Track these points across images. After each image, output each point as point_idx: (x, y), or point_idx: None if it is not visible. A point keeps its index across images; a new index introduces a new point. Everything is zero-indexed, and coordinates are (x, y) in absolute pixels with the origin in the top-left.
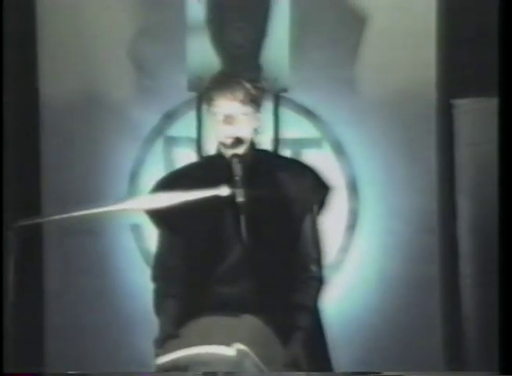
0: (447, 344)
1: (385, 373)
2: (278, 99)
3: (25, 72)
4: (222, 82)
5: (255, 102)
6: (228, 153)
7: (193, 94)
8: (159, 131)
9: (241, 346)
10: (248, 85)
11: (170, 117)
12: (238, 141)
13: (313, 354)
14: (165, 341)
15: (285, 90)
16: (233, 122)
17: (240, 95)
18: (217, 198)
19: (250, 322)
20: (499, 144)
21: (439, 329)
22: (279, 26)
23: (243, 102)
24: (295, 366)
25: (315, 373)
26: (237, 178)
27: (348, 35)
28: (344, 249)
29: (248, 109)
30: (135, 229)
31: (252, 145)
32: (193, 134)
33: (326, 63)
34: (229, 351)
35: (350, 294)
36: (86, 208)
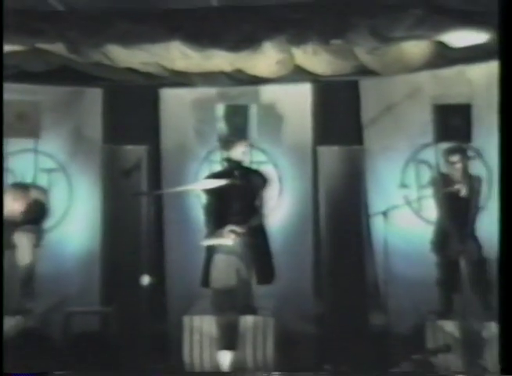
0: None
1: None
2: (252, 146)
3: (154, 134)
4: (233, 142)
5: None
6: (237, 166)
7: (218, 144)
8: (206, 158)
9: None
10: (243, 142)
11: (210, 152)
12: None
13: (263, 240)
14: (208, 237)
15: (253, 144)
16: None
17: (239, 146)
18: (229, 183)
19: (242, 230)
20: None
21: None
22: (252, 123)
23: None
24: (254, 244)
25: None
26: (237, 176)
27: (273, 122)
28: (277, 203)
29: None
30: (198, 195)
31: (247, 165)
32: (219, 158)
33: (269, 133)
34: (230, 241)
35: (280, 221)
36: (179, 187)
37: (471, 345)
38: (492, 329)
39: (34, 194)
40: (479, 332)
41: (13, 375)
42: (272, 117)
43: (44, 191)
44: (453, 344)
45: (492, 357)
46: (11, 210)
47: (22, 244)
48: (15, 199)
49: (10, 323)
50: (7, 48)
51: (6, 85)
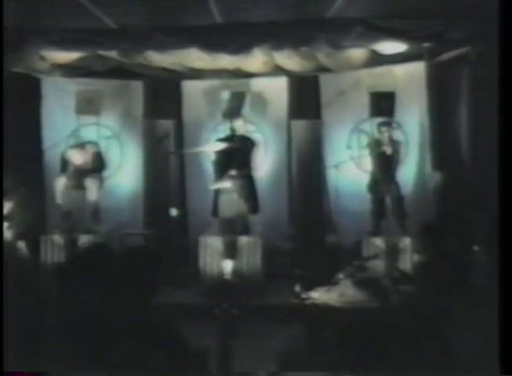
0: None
1: None
2: (246, 121)
3: (178, 112)
4: (234, 118)
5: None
6: (235, 134)
7: (223, 119)
8: (214, 128)
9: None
10: (241, 118)
11: (217, 124)
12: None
13: (252, 184)
14: (216, 182)
15: (246, 119)
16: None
17: (238, 121)
18: (230, 146)
19: (239, 177)
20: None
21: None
22: (246, 105)
23: (241, 123)
24: (246, 187)
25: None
26: (235, 141)
27: (261, 103)
28: (263, 160)
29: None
30: (209, 154)
31: (242, 133)
32: (225, 129)
33: (257, 111)
34: (230, 185)
35: (264, 171)
36: (196, 148)
37: (392, 253)
38: (406, 242)
39: (91, 149)
40: (397, 245)
41: (13, 375)
42: (260, 100)
43: (98, 147)
44: (380, 253)
45: (404, 263)
46: (77, 161)
47: (90, 187)
48: (78, 153)
49: (84, 239)
50: (78, 54)
51: (78, 80)
